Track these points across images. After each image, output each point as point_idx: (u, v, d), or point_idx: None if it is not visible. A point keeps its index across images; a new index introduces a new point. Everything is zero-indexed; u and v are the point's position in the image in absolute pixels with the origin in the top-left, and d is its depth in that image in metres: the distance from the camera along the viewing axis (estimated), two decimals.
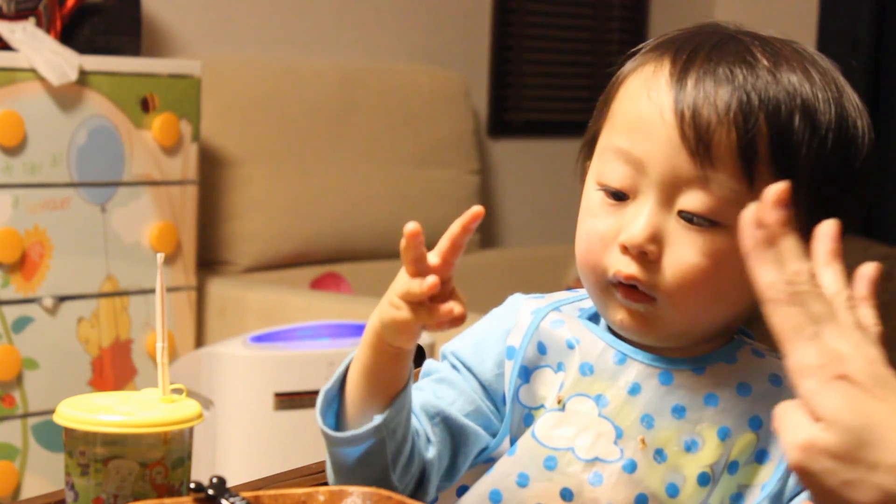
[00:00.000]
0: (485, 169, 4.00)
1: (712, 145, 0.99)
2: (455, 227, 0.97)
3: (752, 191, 1.00)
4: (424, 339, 2.45)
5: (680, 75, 1.02)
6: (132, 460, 0.97)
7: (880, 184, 4.34)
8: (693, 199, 1.00)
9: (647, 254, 1.01)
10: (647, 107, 1.02)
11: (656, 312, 1.03)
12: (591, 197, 1.05)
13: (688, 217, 1.01)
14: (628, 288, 1.03)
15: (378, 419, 1.01)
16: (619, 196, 1.03)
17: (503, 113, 4.15)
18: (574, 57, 4.34)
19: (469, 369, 1.12)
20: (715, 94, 1.00)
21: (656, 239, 1.01)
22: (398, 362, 1.02)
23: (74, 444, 0.98)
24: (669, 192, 1.01)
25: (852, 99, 1.06)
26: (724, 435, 1.04)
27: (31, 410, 2.66)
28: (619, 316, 1.04)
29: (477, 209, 0.97)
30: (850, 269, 0.87)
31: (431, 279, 0.96)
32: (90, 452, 0.97)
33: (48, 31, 2.70)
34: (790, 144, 1.00)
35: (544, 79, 4.28)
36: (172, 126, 2.83)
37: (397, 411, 1.02)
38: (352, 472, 1.03)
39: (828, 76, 1.05)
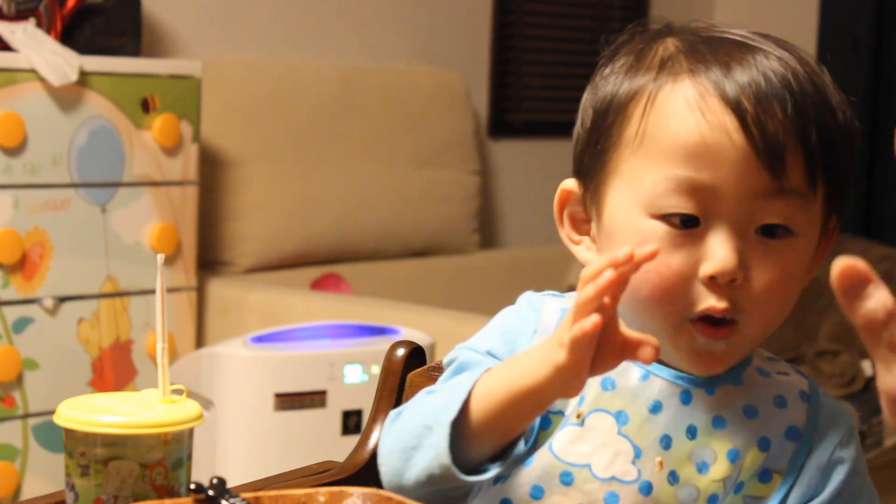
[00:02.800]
0: (485, 169, 4.00)
1: (786, 155, 0.98)
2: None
3: (814, 192, 1.01)
4: (424, 339, 2.46)
5: (730, 90, 0.99)
6: (132, 461, 0.97)
7: (880, 184, 4.34)
8: (772, 213, 1.00)
9: (736, 279, 0.99)
10: (707, 130, 0.99)
11: (736, 339, 1.01)
12: (648, 230, 1.00)
13: (769, 230, 1.00)
14: (711, 326, 1.00)
15: (492, 471, 0.98)
16: (689, 223, 0.99)
17: (503, 113, 4.15)
18: (574, 57, 4.34)
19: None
20: (772, 104, 0.99)
21: (742, 263, 0.99)
22: (541, 410, 0.99)
23: (74, 444, 0.98)
24: (745, 211, 0.99)
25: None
26: (735, 457, 1.03)
27: (31, 411, 2.66)
28: (693, 358, 1.02)
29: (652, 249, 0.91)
30: None
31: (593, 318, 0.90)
32: (90, 453, 0.97)
33: (48, 31, 2.70)
34: (831, 138, 1.01)
35: (544, 79, 4.28)
36: (173, 127, 2.83)
37: (510, 456, 0.99)
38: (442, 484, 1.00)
39: (813, 61, 1.05)
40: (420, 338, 2.43)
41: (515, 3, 4.12)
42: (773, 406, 1.06)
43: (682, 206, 0.99)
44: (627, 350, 0.91)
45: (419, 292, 3.41)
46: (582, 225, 1.09)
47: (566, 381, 0.92)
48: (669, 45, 1.05)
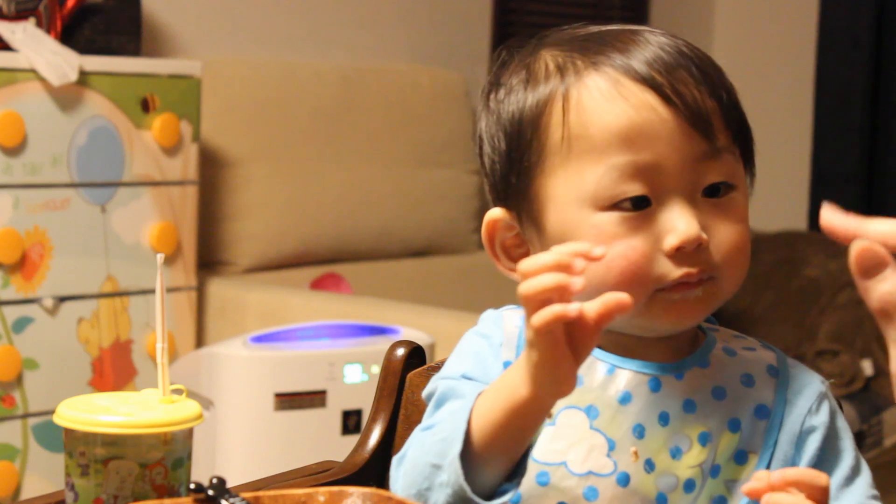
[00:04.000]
0: None
1: (711, 118, 1.02)
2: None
3: (737, 145, 1.05)
4: (424, 339, 2.46)
5: (638, 71, 1.02)
6: (132, 461, 0.97)
7: (880, 184, 4.34)
8: (713, 173, 1.03)
9: (702, 243, 1.01)
10: (633, 112, 1.01)
11: (713, 289, 1.03)
12: (602, 222, 1.01)
13: (714, 190, 1.03)
14: (684, 284, 1.02)
15: (510, 491, 0.97)
16: (640, 205, 1.01)
17: None
18: None
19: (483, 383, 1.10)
20: (679, 73, 1.02)
21: (702, 227, 1.02)
22: (542, 418, 0.97)
23: (74, 444, 0.98)
24: (690, 179, 1.02)
25: None
26: (706, 440, 1.04)
27: (31, 411, 2.66)
28: (673, 314, 1.03)
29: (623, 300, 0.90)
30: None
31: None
32: (90, 453, 0.97)
33: (48, 31, 2.70)
34: (731, 96, 1.05)
35: None
36: (172, 126, 2.83)
37: (523, 472, 0.99)
38: None
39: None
40: (420, 338, 2.43)
41: (515, 3, 4.12)
42: (741, 385, 1.06)
43: (631, 189, 1.01)
44: (602, 319, 0.90)
45: (419, 292, 3.41)
46: (514, 250, 1.10)
47: (552, 376, 0.91)
48: (555, 52, 1.07)
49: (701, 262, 1.02)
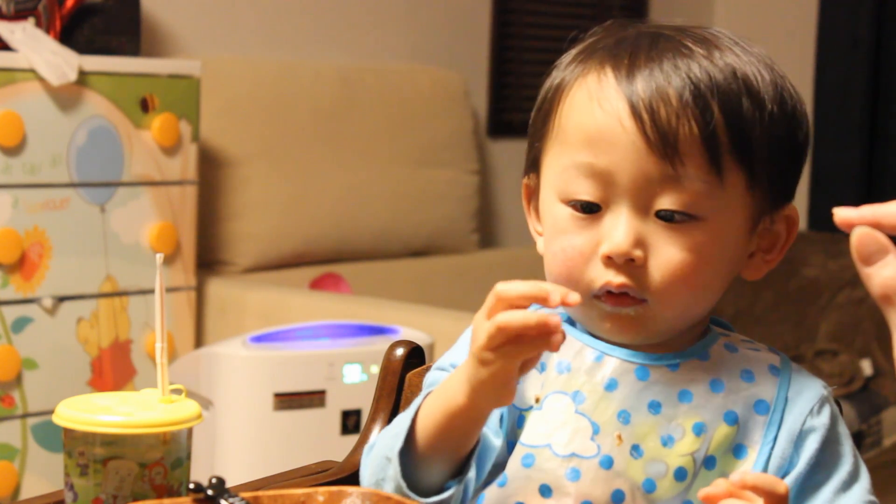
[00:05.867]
0: (484, 169, 4.00)
1: (678, 142, 1.01)
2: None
3: (721, 179, 1.03)
4: (423, 339, 2.45)
5: (627, 80, 1.03)
6: (131, 461, 0.97)
7: (880, 184, 4.34)
8: (668, 198, 1.02)
9: (635, 260, 1.02)
10: (602, 118, 1.03)
11: (647, 313, 1.04)
12: (558, 214, 1.06)
13: (666, 216, 1.03)
14: (618, 295, 1.04)
15: (452, 488, 1.01)
16: (591, 209, 1.04)
17: (503, 113, 4.15)
18: None
19: None
20: (667, 92, 1.02)
21: (640, 244, 1.02)
22: (481, 424, 1.01)
23: (73, 444, 0.98)
24: (643, 195, 1.03)
25: (781, 72, 1.09)
26: (700, 430, 1.05)
27: (30, 411, 2.66)
28: (608, 325, 1.05)
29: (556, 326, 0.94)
30: (853, 268, 0.88)
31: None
32: (89, 453, 0.97)
33: (48, 31, 2.69)
34: (744, 126, 1.03)
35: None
36: (172, 126, 2.83)
37: (468, 470, 1.03)
38: None
39: (755, 53, 1.08)
40: (419, 337, 2.43)
41: (515, 3, 4.12)
42: (740, 380, 1.07)
43: (584, 191, 1.04)
44: (544, 332, 0.94)
45: (419, 292, 3.41)
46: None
47: (497, 393, 0.96)
48: (605, 42, 1.09)
49: (631, 276, 1.03)
